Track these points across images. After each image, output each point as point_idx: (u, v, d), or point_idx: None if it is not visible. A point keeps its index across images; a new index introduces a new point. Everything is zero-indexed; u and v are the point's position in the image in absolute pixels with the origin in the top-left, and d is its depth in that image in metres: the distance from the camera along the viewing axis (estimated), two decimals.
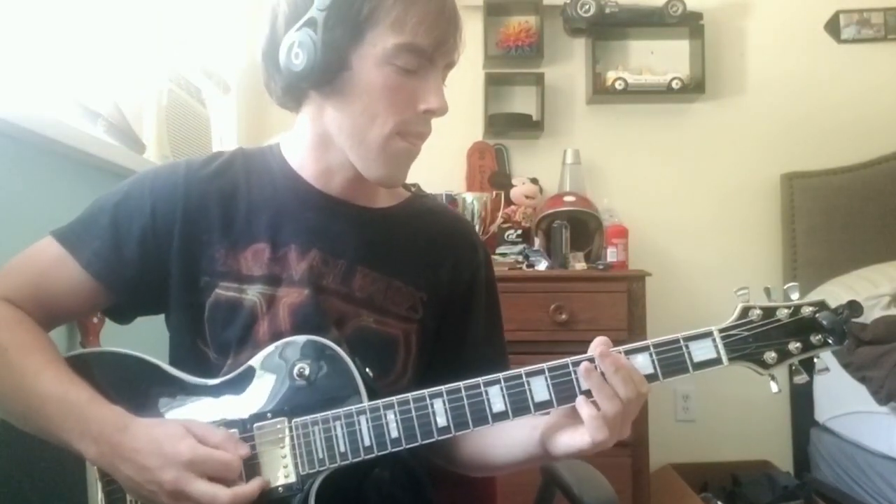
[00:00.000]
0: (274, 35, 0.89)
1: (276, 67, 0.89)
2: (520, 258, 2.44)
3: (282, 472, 0.81)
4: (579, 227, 2.57)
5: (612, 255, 2.48)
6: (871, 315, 2.26)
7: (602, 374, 0.79)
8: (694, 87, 2.75)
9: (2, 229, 1.19)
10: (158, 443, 0.77)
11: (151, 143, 1.76)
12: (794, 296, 0.84)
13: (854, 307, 0.82)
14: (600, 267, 2.40)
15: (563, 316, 2.23)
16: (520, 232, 2.56)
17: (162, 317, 0.99)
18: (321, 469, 0.81)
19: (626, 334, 2.24)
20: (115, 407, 0.81)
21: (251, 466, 0.82)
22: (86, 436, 0.79)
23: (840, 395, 2.35)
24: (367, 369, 0.86)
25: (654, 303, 2.39)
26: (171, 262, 0.93)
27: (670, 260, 2.79)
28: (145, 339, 0.97)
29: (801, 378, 0.83)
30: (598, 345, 0.81)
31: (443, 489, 1.04)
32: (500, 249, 2.48)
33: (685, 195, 2.84)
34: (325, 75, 0.86)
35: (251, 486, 0.79)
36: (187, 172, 0.95)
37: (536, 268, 2.39)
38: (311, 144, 0.95)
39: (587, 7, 2.68)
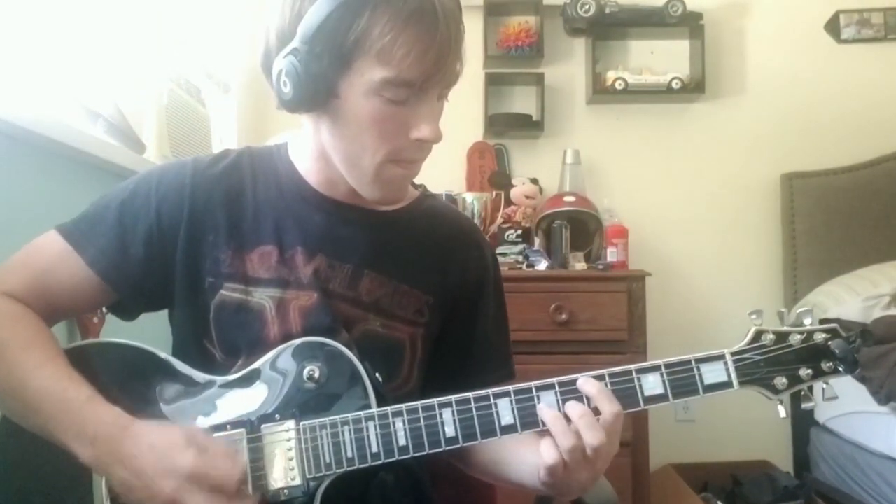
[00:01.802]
0: (268, 56, 0.87)
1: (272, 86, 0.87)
2: (520, 258, 2.44)
3: (288, 474, 0.81)
4: (579, 227, 2.57)
5: (612, 255, 2.48)
6: (871, 315, 2.26)
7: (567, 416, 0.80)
8: (694, 87, 2.75)
9: (2, 229, 1.19)
10: (160, 450, 0.76)
11: (151, 143, 1.76)
12: (807, 321, 0.85)
13: (866, 336, 0.82)
14: (600, 267, 2.40)
15: (563, 316, 2.23)
16: (520, 232, 2.55)
17: (164, 313, 0.98)
18: (327, 473, 0.81)
19: (626, 334, 2.24)
20: (115, 408, 0.80)
21: (258, 467, 0.82)
22: (81, 436, 0.78)
23: (840, 395, 2.34)
24: (377, 374, 0.86)
25: (654, 303, 2.39)
26: (176, 262, 0.92)
27: (670, 260, 2.79)
28: (147, 335, 0.97)
29: (811, 404, 0.84)
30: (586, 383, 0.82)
31: (443, 489, 1.04)
32: (500, 249, 2.47)
33: (685, 195, 2.84)
34: (314, 104, 0.85)
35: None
36: (194, 172, 0.95)
37: (536, 268, 2.39)
38: (313, 155, 0.94)
39: (587, 7, 2.68)
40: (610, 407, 0.80)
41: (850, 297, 2.38)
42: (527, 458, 0.89)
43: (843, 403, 2.35)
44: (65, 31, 1.54)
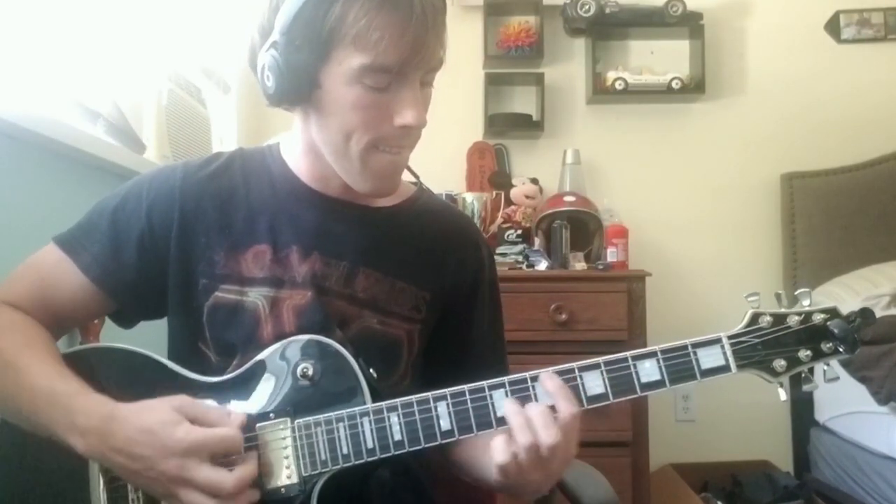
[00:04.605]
0: (253, 52, 0.88)
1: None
2: (520, 258, 2.44)
3: (284, 472, 0.81)
4: (579, 227, 2.57)
5: (612, 255, 2.48)
6: None
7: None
8: (694, 87, 2.75)
9: (2, 229, 1.19)
10: (153, 432, 0.76)
11: (151, 143, 1.76)
12: (806, 302, 0.83)
13: (866, 315, 0.80)
14: (600, 267, 2.40)
15: (563, 316, 2.23)
16: (520, 232, 2.55)
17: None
18: (324, 470, 0.81)
19: (626, 334, 2.24)
20: (100, 396, 0.80)
21: None
22: (73, 429, 0.78)
23: (840, 395, 2.35)
24: (371, 370, 0.86)
25: (654, 303, 2.39)
26: (169, 265, 0.93)
27: (670, 260, 2.79)
28: (145, 337, 0.97)
29: (811, 386, 0.82)
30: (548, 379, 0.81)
31: (443, 488, 1.03)
32: (500, 249, 2.47)
33: (685, 195, 2.84)
34: (298, 96, 0.85)
35: (251, 466, 0.78)
36: (184, 175, 0.95)
37: (536, 268, 2.39)
38: (304, 151, 0.94)
39: (587, 7, 2.68)
40: (567, 406, 0.78)
41: (850, 297, 2.38)
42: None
43: (843, 403, 2.35)
44: (65, 31, 1.54)
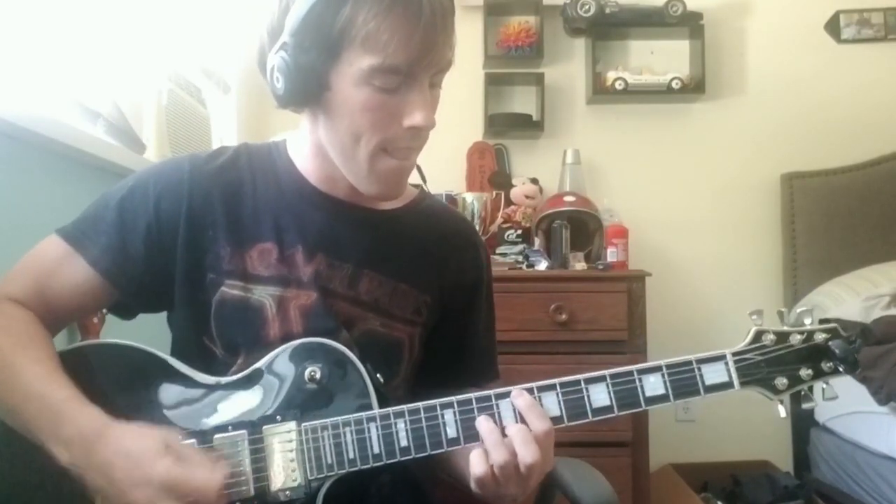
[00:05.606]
0: (262, 54, 0.88)
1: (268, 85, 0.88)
2: (520, 258, 2.44)
3: (289, 475, 0.81)
4: (579, 227, 2.56)
5: (612, 255, 2.48)
6: (871, 315, 2.26)
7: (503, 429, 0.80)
8: (694, 87, 2.75)
9: (2, 229, 1.19)
10: (133, 459, 0.74)
11: (151, 143, 1.76)
12: (808, 321, 0.85)
13: (867, 335, 0.82)
14: (600, 267, 2.39)
15: (563, 316, 2.23)
16: (520, 232, 2.55)
17: (163, 312, 0.98)
18: (329, 474, 0.81)
19: (626, 334, 2.24)
20: (92, 410, 0.78)
21: (259, 468, 0.81)
22: (58, 439, 0.77)
23: (840, 395, 2.34)
24: (378, 374, 0.86)
25: (654, 303, 2.38)
26: (177, 258, 0.92)
27: (670, 260, 2.79)
28: (146, 335, 0.97)
29: (811, 404, 0.84)
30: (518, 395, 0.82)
31: (442, 490, 1.03)
32: (500, 249, 2.47)
33: (685, 195, 2.84)
34: (307, 98, 0.85)
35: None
36: (192, 168, 0.95)
37: (536, 268, 2.38)
38: (312, 152, 0.94)
39: (587, 7, 2.68)
40: (540, 424, 0.79)
41: (850, 297, 2.38)
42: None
43: (843, 403, 2.34)
44: (65, 31, 1.54)
